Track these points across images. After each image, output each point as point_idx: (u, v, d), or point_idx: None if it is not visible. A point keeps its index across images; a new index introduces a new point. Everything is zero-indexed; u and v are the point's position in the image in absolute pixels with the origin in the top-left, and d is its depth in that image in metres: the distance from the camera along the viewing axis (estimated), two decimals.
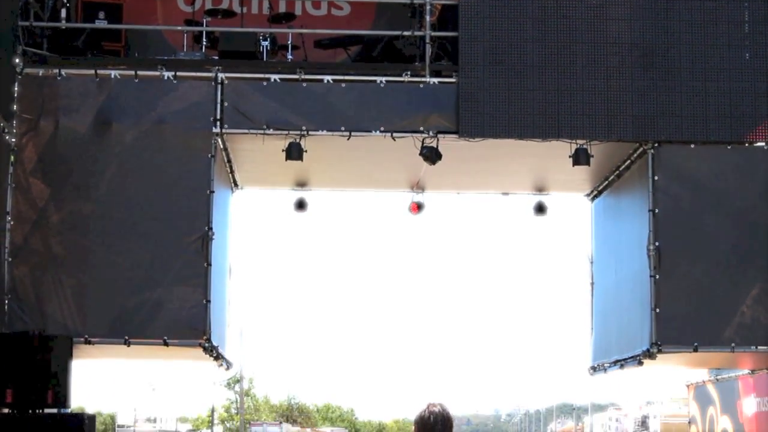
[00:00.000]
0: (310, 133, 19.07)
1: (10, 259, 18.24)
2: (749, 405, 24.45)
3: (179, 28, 20.74)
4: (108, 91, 18.89)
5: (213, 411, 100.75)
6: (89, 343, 18.02)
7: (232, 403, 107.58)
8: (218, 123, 18.85)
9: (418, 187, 22.68)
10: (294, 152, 19.19)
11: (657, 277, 18.91)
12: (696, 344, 18.92)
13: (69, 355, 16.40)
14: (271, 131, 19.04)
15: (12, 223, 18.38)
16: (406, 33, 19.73)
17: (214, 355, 18.90)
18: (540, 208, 23.21)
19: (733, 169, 19.54)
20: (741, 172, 19.51)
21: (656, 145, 19.23)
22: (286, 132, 19.07)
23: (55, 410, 15.89)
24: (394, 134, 19.14)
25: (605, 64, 19.28)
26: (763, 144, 19.42)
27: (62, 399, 16.00)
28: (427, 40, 19.38)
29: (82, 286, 18.32)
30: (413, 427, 7.36)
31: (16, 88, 18.59)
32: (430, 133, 19.14)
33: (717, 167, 19.53)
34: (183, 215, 18.72)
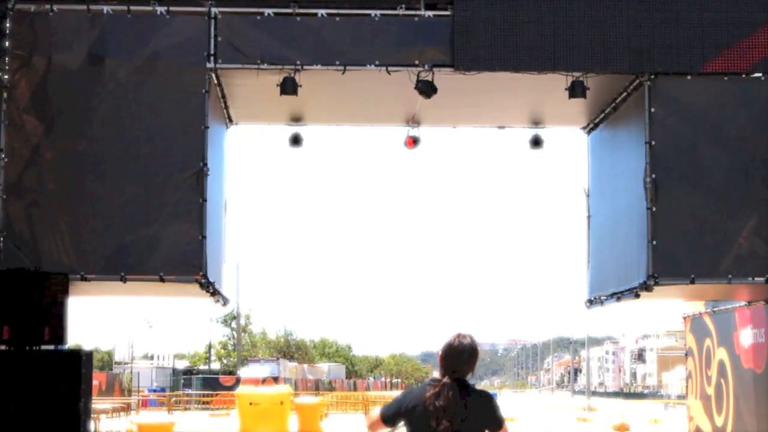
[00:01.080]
0: (304, 67, 18.97)
1: (4, 197, 18.20)
2: (746, 336, 24.53)
3: None
4: (100, 27, 18.74)
5: (210, 347, 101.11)
6: (85, 279, 18.01)
7: (229, 339, 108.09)
8: (212, 58, 18.74)
9: (413, 121, 22.57)
10: (288, 87, 19.07)
11: (653, 209, 18.88)
12: (693, 276, 18.92)
13: (65, 292, 16.38)
14: (265, 66, 18.93)
15: (5, 160, 18.32)
16: None
17: (211, 290, 18.90)
18: (536, 142, 23.11)
19: (729, 100, 19.46)
20: (738, 103, 19.43)
21: (653, 76, 19.14)
22: (281, 66, 18.96)
23: (52, 347, 15.89)
24: (389, 68, 19.03)
25: None
26: (760, 75, 19.33)
27: (59, 336, 16.00)
28: None
29: (77, 223, 18.28)
30: (439, 353, 7.49)
31: (7, 25, 18.45)
32: (426, 67, 19.04)
33: (714, 98, 19.44)
34: (178, 151, 18.65)
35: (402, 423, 7.46)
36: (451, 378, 7.38)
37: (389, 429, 7.45)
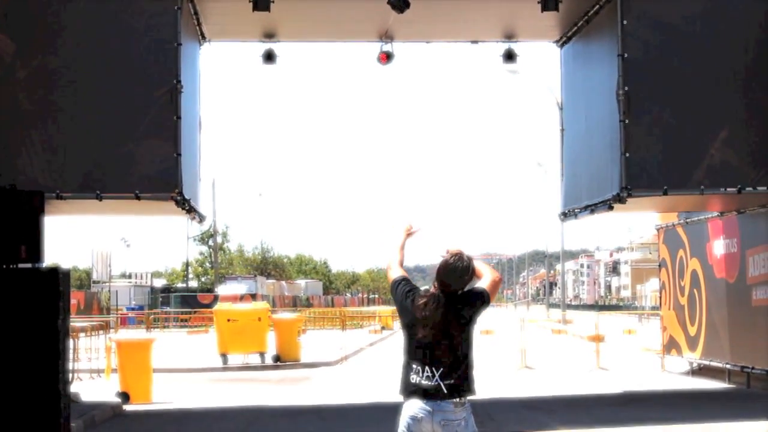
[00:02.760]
0: None
1: None
2: (718, 247, 24.76)
3: None
4: None
5: (187, 265, 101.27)
6: (61, 198, 18.02)
7: (206, 257, 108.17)
8: None
9: (386, 36, 22.52)
10: (261, 3, 19.02)
11: (626, 121, 18.97)
12: (665, 187, 19.08)
13: (41, 210, 16.36)
14: None
15: None
16: None
17: (186, 208, 18.94)
18: (509, 56, 23.12)
19: (702, 13, 19.49)
20: (710, 15, 19.46)
21: None
22: None
23: (29, 265, 15.90)
24: None
25: None
26: None
27: (35, 254, 15.98)
28: None
29: (52, 142, 18.26)
30: (438, 269, 7.88)
31: None
32: None
33: (686, 11, 19.47)
34: (151, 69, 18.59)
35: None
36: (441, 291, 7.79)
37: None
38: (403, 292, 7.97)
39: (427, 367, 7.68)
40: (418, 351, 7.74)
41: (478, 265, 8.05)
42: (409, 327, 7.84)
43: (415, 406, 7.70)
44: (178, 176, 18.31)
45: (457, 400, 7.68)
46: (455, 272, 7.83)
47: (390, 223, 8.35)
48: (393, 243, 8.39)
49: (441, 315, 7.68)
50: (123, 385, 21.74)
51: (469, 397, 7.82)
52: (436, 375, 7.65)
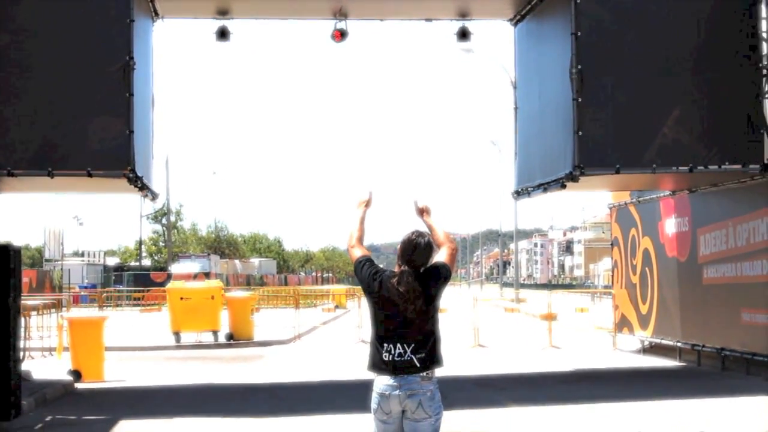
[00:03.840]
0: None
1: None
2: (670, 225, 24.93)
3: None
4: None
5: (140, 244, 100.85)
6: (12, 175, 17.88)
7: (159, 236, 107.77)
8: None
9: (340, 14, 22.43)
10: None
11: (579, 100, 19.02)
12: (618, 166, 19.16)
13: None
14: None
15: None
16: None
17: (139, 185, 18.83)
18: (463, 34, 23.10)
19: None
20: None
21: None
22: None
23: None
24: None
25: None
26: None
27: None
28: None
29: (2, 118, 18.09)
30: (399, 247, 8.21)
31: None
32: None
33: None
34: (103, 45, 18.45)
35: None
36: (408, 268, 8.07)
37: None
38: (369, 274, 8.18)
39: (398, 344, 7.97)
40: (388, 329, 8.01)
41: (437, 231, 8.37)
42: (378, 306, 8.07)
43: (382, 383, 7.97)
44: (130, 153, 18.19)
45: (425, 374, 8.00)
46: (419, 248, 8.11)
47: (351, 202, 8.59)
48: (352, 218, 8.60)
49: (411, 292, 7.95)
50: (75, 363, 21.64)
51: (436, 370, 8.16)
52: (408, 351, 7.96)
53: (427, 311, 8.06)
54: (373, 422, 8.16)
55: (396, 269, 8.17)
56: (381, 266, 8.38)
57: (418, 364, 7.95)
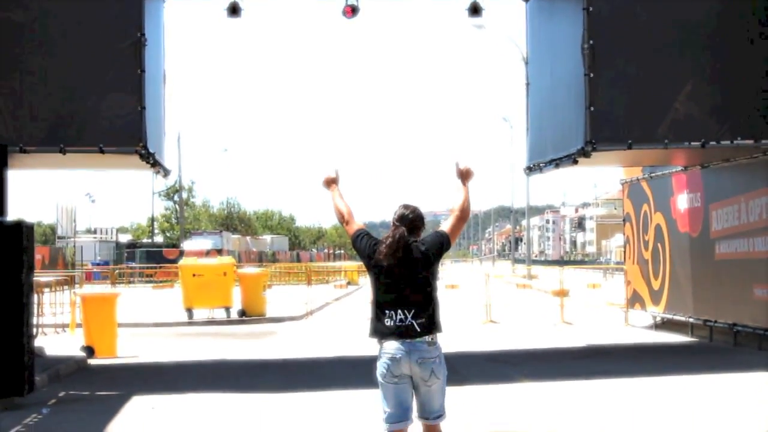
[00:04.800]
0: None
1: None
2: (682, 201, 24.89)
3: None
4: None
5: (153, 221, 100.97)
6: (24, 152, 17.90)
7: (171, 212, 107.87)
8: None
9: None
10: None
11: (591, 75, 18.97)
12: (630, 141, 19.10)
13: (4, 164, 16.30)
14: None
15: None
16: None
17: (151, 161, 18.84)
18: (475, 10, 22.98)
19: None
20: None
21: None
22: None
23: None
24: None
25: None
26: None
27: None
28: None
29: (15, 95, 18.10)
30: (392, 224, 8.66)
31: None
32: None
33: None
34: (114, 22, 18.44)
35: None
36: (401, 236, 8.48)
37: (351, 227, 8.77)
38: (368, 245, 8.59)
39: (399, 310, 8.35)
40: (389, 296, 8.40)
41: (464, 197, 8.74)
42: (378, 275, 8.44)
43: (392, 347, 8.34)
44: (142, 130, 18.20)
45: (429, 339, 8.36)
46: (406, 218, 8.62)
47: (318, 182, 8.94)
48: (332, 199, 9.01)
49: (408, 259, 8.38)
50: (88, 339, 21.72)
51: (438, 335, 8.48)
52: (409, 316, 8.34)
53: (426, 278, 8.42)
54: (381, 387, 8.47)
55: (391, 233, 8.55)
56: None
57: (418, 329, 8.30)
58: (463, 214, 8.72)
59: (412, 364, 8.30)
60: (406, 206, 8.75)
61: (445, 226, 8.71)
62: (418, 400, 8.51)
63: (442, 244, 8.59)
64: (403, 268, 8.39)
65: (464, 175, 8.83)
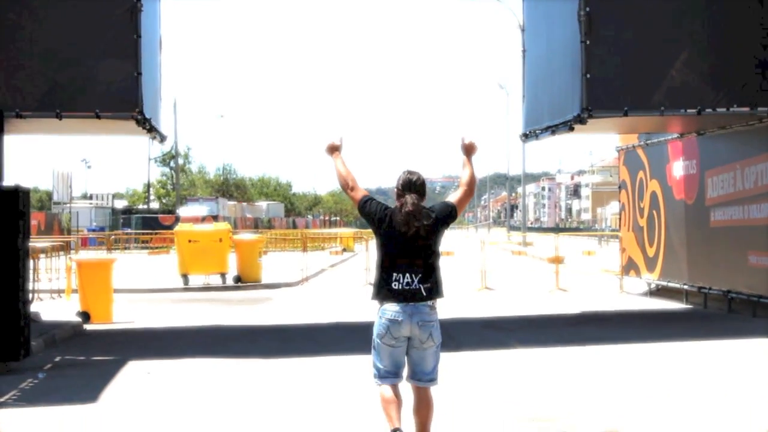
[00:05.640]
0: None
1: None
2: (678, 168, 24.92)
3: None
4: None
5: (149, 187, 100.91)
6: (20, 117, 17.86)
7: (167, 179, 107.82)
8: None
9: None
10: None
11: (587, 42, 18.94)
12: (626, 108, 19.10)
13: (0, 129, 16.29)
14: None
15: None
16: None
17: (147, 127, 18.82)
18: None
19: None
20: None
21: None
22: None
23: None
24: None
25: None
26: None
27: None
28: None
29: (11, 60, 18.04)
30: (396, 188, 9.02)
31: None
32: None
33: None
34: None
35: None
36: (413, 204, 8.81)
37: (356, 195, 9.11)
38: (380, 208, 8.95)
39: (407, 274, 8.68)
40: (398, 260, 8.72)
41: (470, 172, 9.21)
42: (387, 238, 8.79)
43: (393, 309, 8.68)
44: (138, 95, 18.15)
45: (431, 303, 8.73)
46: (412, 183, 8.93)
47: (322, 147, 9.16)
48: (335, 166, 9.28)
49: (418, 226, 8.71)
50: (83, 305, 21.76)
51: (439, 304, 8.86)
52: (415, 280, 8.68)
53: (432, 245, 8.80)
54: (377, 347, 8.83)
55: (400, 203, 8.88)
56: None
57: (424, 293, 8.65)
58: (470, 188, 9.15)
59: (412, 325, 8.62)
60: (411, 172, 9.03)
61: (453, 198, 9.09)
62: (411, 362, 8.82)
63: (449, 214, 8.96)
64: (415, 234, 8.71)
65: (468, 150, 9.28)
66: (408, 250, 8.71)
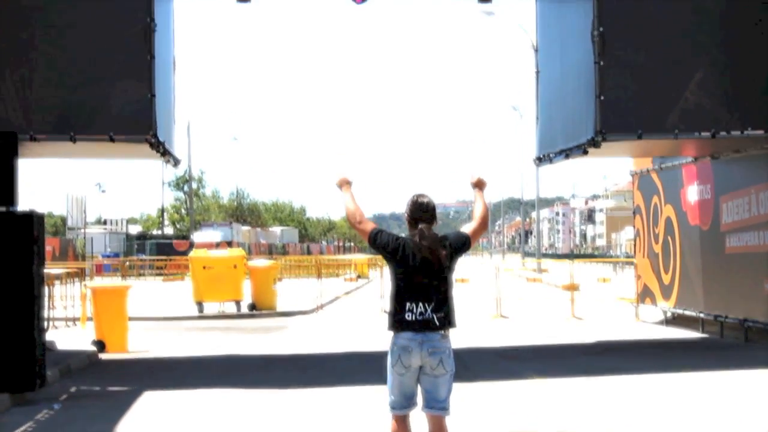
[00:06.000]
0: None
1: None
2: (692, 193, 24.78)
3: None
4: None
5: (163, 212, 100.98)
6: (34, 140, 17.79)
7: (181, 203, 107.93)
8: None
9: None
10: None
11: (601, 63, 18.85)
12: (640, 131, 18.99)
13: (14, 153, 16.23)
14: None
15: None
16: None
17: (161, 150, 18.75)
18: None
19: None
20: None
21: None
22: None
23: (3, 209, 15.78)
24: None
25: None
26: None
27: (9, 197, 15.86)
28: None
29: (24, 82, 17.98)
30: (407, 213, 9.07)
31: None
32: None
33: None
34: (124, 7, 18.29)
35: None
36: (425, 232, 8.86)
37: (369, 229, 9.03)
38: (391, 239, 8.94)
39: (421, 303, 8.71)
40: (411, 290, 8.75)
41: (482, 206, 9.30)
42: (401, 268, 8.81)
43: (405, 338, 8.71)
44: (152, 118, 18.08)
45: (443, 332, 8.74)
46: (424, 206, 8.98)
47: (330, 180, 9.20)
48: (343, 201, 9.28)
49: (433, 256, 8.75)
50: (99, 333, 21.72)
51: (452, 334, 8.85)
52: (428, 309, 8.71)
53: (446, 275, 8.81)
54: (391, 375, 8.85)
55: (410, 231, 8.96)
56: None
57: (437, 323, 8.69)
58: (484, 222, 9.21)
59: (423, 354, 8.64)
60: (421, 195, 9.08)
61: (467, 229, 9.13)
62: (424, 390, 8.83)
63: (464, 245, 9.04)
64: (429, 264, 8.75)
65: (478, 185, 9.41)
66: (422, 280, 8.75)
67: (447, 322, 8.75)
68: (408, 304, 8.71)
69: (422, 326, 8.66)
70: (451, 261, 8.87)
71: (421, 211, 8.93)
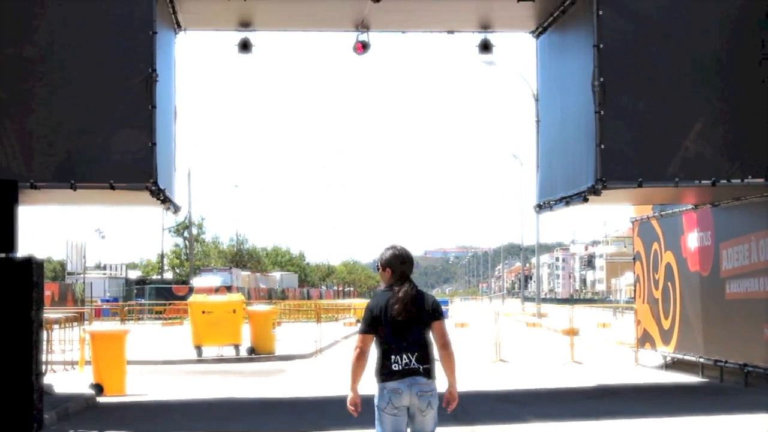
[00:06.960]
0: None
1: None
2: (692, 240, 24.80)
3: None
4: None
5: (162, 257, 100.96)
6: (35, 188, 17.89)
7: (181, 249, 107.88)
8: None
9: (362, 26, 22.48)
10: None
11: (602, 112, 18.94)
12: (640, 179, 19.06)
13: (14, 200, 16.27)
14: None
15: None
16: None
17: (161, 198, 18.84)
18: (485, 46, 23.10)
19: (677, 3, 19.49)
20: (685, 6, 19.46)
21: None
22: None
23: (2, 255, 15.81)
24: None
25: None
26: None
27: (9, 243, 15.90)
28: None
29: (26, 131, 18.10)
30: (385, 264, 9.24)
31: None
32: None
33: (662, 1, 19.48)
34: (126, 57, 18.46)
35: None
36: (404, 279, 9.17)
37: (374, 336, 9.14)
38: (375, 310, 9.09)
39: (405, 355, 9.01)
40: (396, 344, 9.02)
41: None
42: (385, 326, 9.03)
43: (394, 383, 9.04)
44: (153, 166, 18.19)
45: (428, 377, 9.04)
46: (404, 257, 9.22)
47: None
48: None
49: (412, 310, 9.01)
50: (97, 377, 21.66)
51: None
52: (413, 360, 9.00)
53: (426, 328, 9.07)
54: (381, 417, 9.28)
55: (397, 289, 9.10)
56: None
57: (422, 371, 8.99)
58: (446, 350, 9.11)
59: (412, 396, 8.97)
60: (394, 247, 9.34)
61: (437, 340, 9.10)
62: (413, 428, 9.18)
63: (440, 315, 9.19)
64: (409, 318, 9.01)
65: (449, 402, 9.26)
66: (404, 333, 9.00)
67: (431, 371, 9.03)
68: (393, 357, 9.05)
69: (408, 374, 8.97)
70: (431, 318, 9.08)
71: (401, 263, 9.20)
